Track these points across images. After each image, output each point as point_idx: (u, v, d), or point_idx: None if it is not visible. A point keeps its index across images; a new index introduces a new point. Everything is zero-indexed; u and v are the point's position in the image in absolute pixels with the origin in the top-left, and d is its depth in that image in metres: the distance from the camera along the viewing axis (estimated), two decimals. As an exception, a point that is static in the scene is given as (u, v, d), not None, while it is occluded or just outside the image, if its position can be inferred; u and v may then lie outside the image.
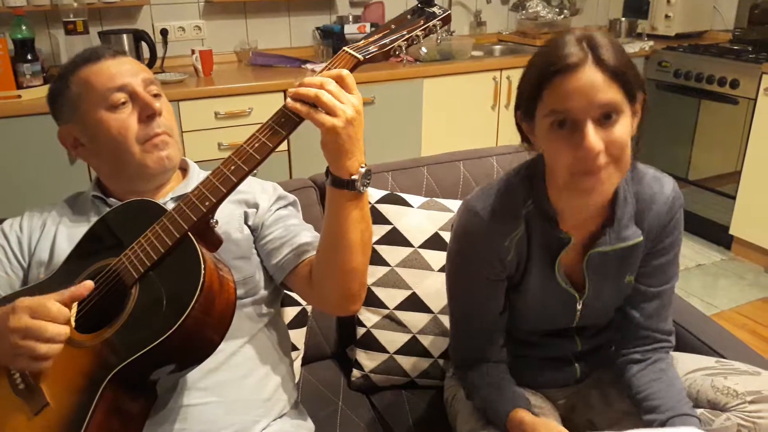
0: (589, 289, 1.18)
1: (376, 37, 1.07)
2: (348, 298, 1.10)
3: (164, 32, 2.91)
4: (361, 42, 1.06)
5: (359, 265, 1.08)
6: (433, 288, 1.52)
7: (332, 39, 3.04)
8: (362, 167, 0.99)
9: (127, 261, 0.99)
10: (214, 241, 1.03)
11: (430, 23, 1.10)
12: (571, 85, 0.96)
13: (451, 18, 1.15)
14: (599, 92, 0.96)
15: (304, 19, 3.21)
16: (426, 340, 1.50)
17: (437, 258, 1.52)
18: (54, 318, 0.91)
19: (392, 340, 1.50)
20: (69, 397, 0.93)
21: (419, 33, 1.09)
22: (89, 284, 0.95)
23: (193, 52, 2.71)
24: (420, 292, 1.51)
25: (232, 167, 0.98)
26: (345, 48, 1.04)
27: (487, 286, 1.18)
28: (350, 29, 2.97)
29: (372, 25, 3.01)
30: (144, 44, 2.67)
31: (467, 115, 3.06)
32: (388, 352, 1.49)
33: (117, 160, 1.15)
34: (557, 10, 3.54)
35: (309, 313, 1.52)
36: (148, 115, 1.13)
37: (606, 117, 0.98)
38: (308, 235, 1.21)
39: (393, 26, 1.09)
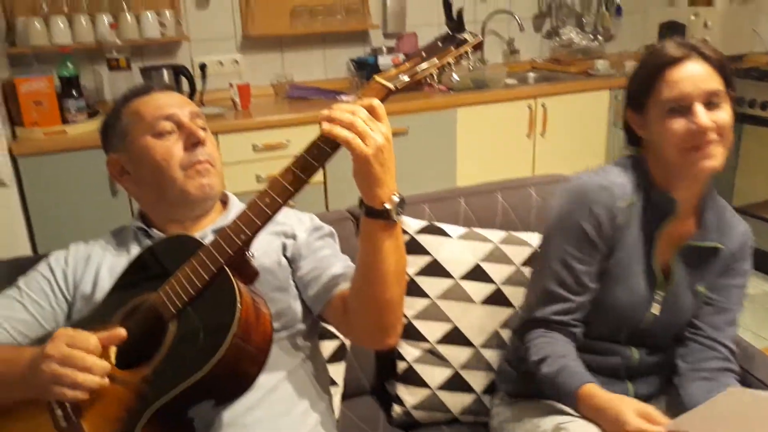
0: (674, 284, 1.25)
1: (407, 65, 1.06)
2: (384, 330, 1.09)
3: (203, 67, 2.97)
4: (393, 71, 1.05)
5: (394, 296, 1.06)
6: (476, 321, 1.49)
7: (366, 70, 3.07)
8: (395, 196, 0.99)
9: (165, 296, 0.99)
10: (250, 274, 1.02)
11: (462, 50, 1.09)
12: (680, 74, 1.15)
13: (482, 44, 1.14)
14: (705, 81, 1.14)
15: (338, 52, 3.25)
16: (469, 376, 1.47)
17: (479, 290, 1.50)
18: (91, 350, 0.92)
19: (434, 375, 1.47)
20: (110, 435, 0.93)
21: (450, 60, 1.08)
22: (121, 333, 0.97)
23: (231, 85, 2.76)
24: (462, 325, 1.48)
25: (267, 200, 0.98)
26: (376, 77, 1.03)
27: (588, 246, 1.22)
28: (384, 61, 2.99)
29: (406, 57, 3.02)
30: (184, 79, 2.73)
31: (502, 143, 3.04)
32: (430, 388, 1.46)
33: (159, 186, 1.17)
34: (591, 36, 3.53)
35: (347, 347, 1.50)
36: (192, 143, 1.17)
37: (711, 102, 1.14)
38: (341, 266, 1.20)
39: (424, 54, 1.08)
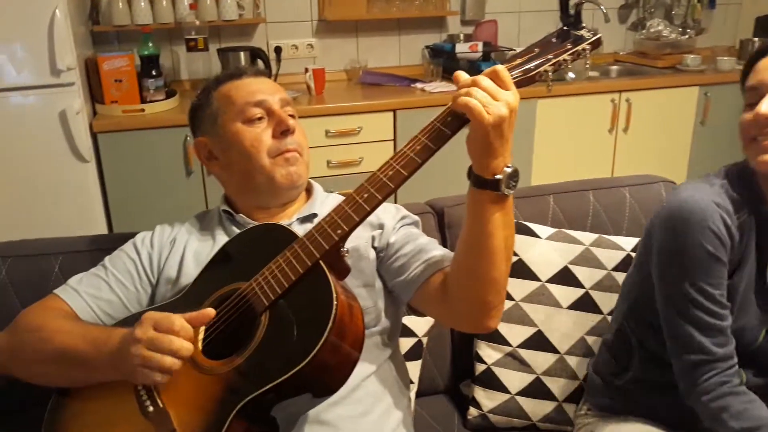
0: None
1: (518, 61, 0.99)
2: (486, 312, 1.01)
3: (278, 50, 2.95)
4: (504, 65, 0.99)
5: (501, 275, 0.99)
6: (561, 327, 1.41)
7: (443, 58, 2.99)
8: (507, 168, 0.92)
9: (257, 287, 0.96)
10: (341, 270, 0.98)
11: (579, 47, 1.01)
12: (764, 63, 1.09)
13: (601, 41, 1.05)
14: None
15: (413, 38, 3.18)
16: (551, 383, 1.39)
17: (566, 294, 1.42)
18: (177, 332, 0.89)
19: (514, 379, 1.40)
20: (197, 424, 0.91)
21: (567, 57, 1.01)
22: (211, 312, 0.94)
23: (306, 70, 2.73)
24: (546, 330, 1.41)
25: (365, 195, 0.94)
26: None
27: (715, 265, 1.08)
28: (462, 48, 2.91)
29: (485, 44, 2.93)
30: (260, 61, 2.71)
31: (582, 138, 2.92)
32: (509, 393, 1.40)
33: (247, 173, 1.15)
34: (680, 29, 3.34)
35: (424, 345, 1.44)
36: (282, 131, 1.15)
37: None
38: (439, 249, 1.14)
39: (537, 50, 1.01)
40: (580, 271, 1.43)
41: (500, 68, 0.90)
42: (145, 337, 0.88)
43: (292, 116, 1.18)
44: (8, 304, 1.30)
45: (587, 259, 1.44)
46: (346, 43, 3.10)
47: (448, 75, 2.97)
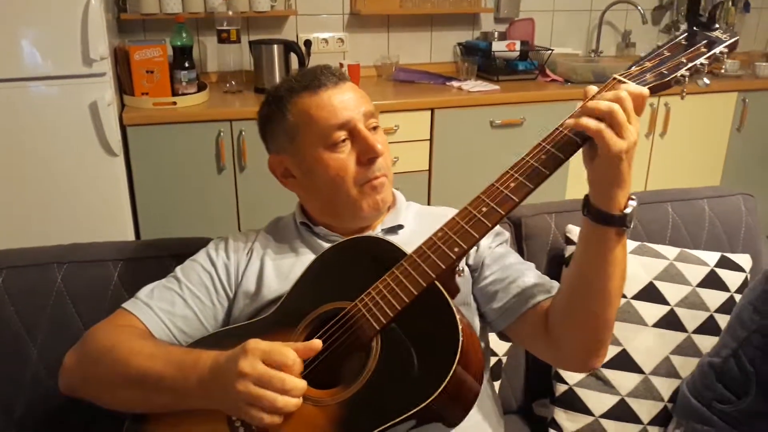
0: None
1: (648, 64, 0.91)
2: (593, 351, 0.95)
3: (308, 43, 2.85)
4: (633, 69, 0.91)
5: (612, 315, 0.93)
6: (646, 345, 1.34)
7: (477, 56, 2.91)
8: (632, 200, 0.85)
9: (365, 308, 0.87)
10: (452, 290, 0.89)
11: (716, 50, 0.93)
12: None
13: (738, 44, 0.98)
14: None
15: (446, 34, 3.09)
16: (636, 404, 1.32)
17: (652, 311, 1.35)
18: (290, 368, 0.80)
19: (598, 401, 1.33)
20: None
21: (704, 61, 0.93)
22: (318, 344, 0.85)
23: (341, 65, 2.64)
24: (631, 348, 1.34)
25: (484, 209, 0.85)
26: (615, 76, 0.89)
27: None
28: (498, 46, 2.83)
29: (522, 43, 2.85)
30: (293, 55, 2.62)
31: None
32: (593, 415, 1.32)
33: (330, 200, 1.07)
34: (714, 33, 3.27)
35: (503, 365, 1.37)
36: (369, 159, 1.04)
37: None
38: (535, 275, 1.07)
39: (666, 53, 0.93)
40: (665, 287, 1.36)
41: (647, 93, 0.83)
42: (255, 372, 0.79)
43: (375, 127, 1.08)
44: (66, 313, 1.22)
45: (672, 275, 1.37)
46: (377, 38, 3.01)
47: (483, 73, 2.89)
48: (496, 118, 2.62)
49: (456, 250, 0.85)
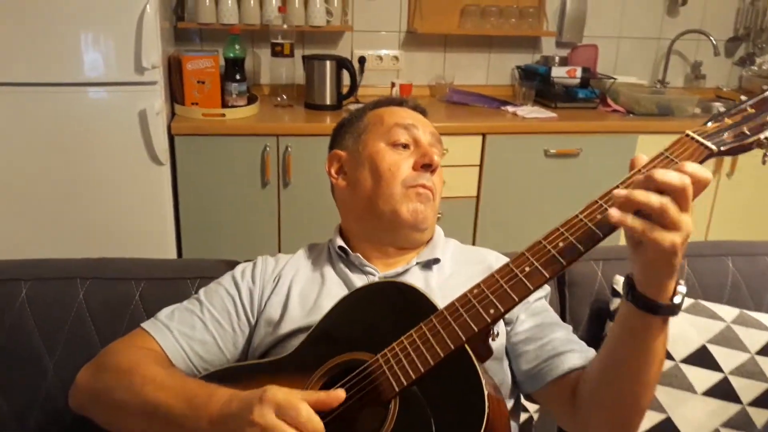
0: None
1: (728, 121, 0.80)
2: None
3: (362, 60, 2.82)
4: (710, 126, 0.79)
5: (647, 402, 0.84)
6: (694, 415, 1.22)
7: (535, 80, 2.81)
8: (681, 285, 0.76)
9: (386, 365, 0.80)
10: (485, 354, 0.81)
11: None
12: None
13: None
14: None
15: (505, 57, 3.01)
16: (679, 480, 1.21)
17: (702, 378, 1.23)
18: (303, 425, 0.74)
19: (636, 472, 1.22)
20: None
21: None
22: (341, 394, 0.78)
23: (393, 84, 2.59)
24: (677, 417, 1.22)
25: (527, 269, 0.76)
26: (689, 132, 0.78)
27: None
28: (558, 72, 2.72)
29: (584, 70, 2.74)
30: (345, 72, 2.58)
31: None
32: (629, 487, 1.21)
33: (373, 197, 1.06)
34: (793, 68, 3.08)
35: (534, 422, 1.27)
36: (423, 165, 1.06)
37: None
38: (570, 340, 0.98)
39: (750, 110, 0.82)
40: (719, 352, 1.25)
41: (706, 176, 0.70)
42: (264, 423, 0.73)
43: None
44: (85, 330, 1.19)
45: (728, 339, 1.25)
46: (433, 58, 2.95)
47: (540, 99, 2.80)
48: (551, 147, 2.52)
49: (492, 312, 0.76)
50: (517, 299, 0.76)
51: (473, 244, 2.62)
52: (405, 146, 1.07)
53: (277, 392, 0.75)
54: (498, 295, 0.77)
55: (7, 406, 1.19)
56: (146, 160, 2.21)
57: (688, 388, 1.23)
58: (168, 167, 2.27)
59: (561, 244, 0.75)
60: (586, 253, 0.74)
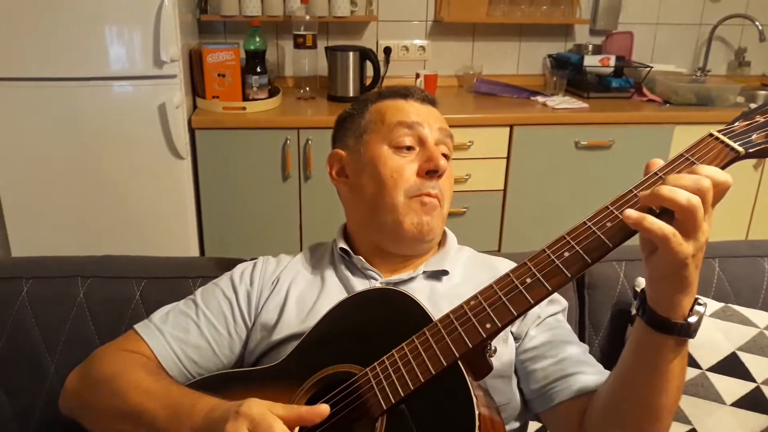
0: None
1: (760, 119, 0.72)
2: None
3: (387, 50, 2.76)
4: (738, 126, 0.71)
5: (664, 429, 0.78)
6: (722, 427, 1.14)
7: (568, 70, 2.71)
8: (699, 305, 0.69)
9: (375, 380, 0.75)
10: (482, 371, 0.75)
11: None
12: None
13: None
14: None
15: (535, 45, 2.91)
16: (704, 497, 1.13)
17: (732, 388, 1.14)
18: None
19: (658, 487, 1.14)
20: None
21: None
22: (324, 411, 0.73)
23: (417, 75, 2.53)
24: (703, 429, 1.14)
25: (529, 280, 0.70)
26: (713, 132, 0.71)
27: None
28: (591, 61, 2.62)
29: (618, 59, 2.62)
30: (369, 63, 2.53)
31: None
32: (649, 503, 1.14)
33: (375, 206, 0.99)
34: None
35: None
36: (428, 171, 0.98)
37: None
38: (584, 361, 0.92)
39: None
40: (751, 360, 1.16)
41: (727, 180, 0.64)
42: None
43: (445, 156, 1.00)
44: (85, 330, 1.18)
45: (761, 347, 1.16)
46: (461, 47, 2.87)
47: (572, 89, 2.69)
48: (582, 139, 2.42)
49: (488, 326, 0.71)
50: (515, 313, 0.70)
51: (499, 240, 2.56)
52: (409, 148, 1.00)
53: (254, 407, 0.71)
54: (495, 308, 0.71)
55: (9, 404, 1.18)
56: (167, 154, 2.20)
57: (716, 398, 1.15)
58: (189, 161, 2.26)
59: (566, 254, 0.69)
60: (592, 265, 0.68)
